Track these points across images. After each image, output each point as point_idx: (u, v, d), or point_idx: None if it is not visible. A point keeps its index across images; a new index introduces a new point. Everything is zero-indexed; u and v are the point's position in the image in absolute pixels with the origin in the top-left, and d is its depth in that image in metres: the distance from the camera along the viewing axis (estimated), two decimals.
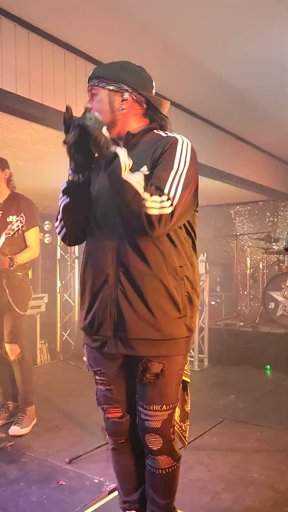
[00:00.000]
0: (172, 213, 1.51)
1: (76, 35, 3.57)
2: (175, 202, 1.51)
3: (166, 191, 1.51)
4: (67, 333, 6.25)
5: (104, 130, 1.51)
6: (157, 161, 1.60)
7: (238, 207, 8.32)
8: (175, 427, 1.80)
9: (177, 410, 1.83)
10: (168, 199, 1.50)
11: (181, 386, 1.80)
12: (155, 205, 1.48)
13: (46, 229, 6.86)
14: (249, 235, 7.32)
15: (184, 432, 1.90)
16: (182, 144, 1.62)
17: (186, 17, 3.30)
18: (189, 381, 1.88)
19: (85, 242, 1.80)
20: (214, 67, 4.11)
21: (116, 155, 1.49)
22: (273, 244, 6.62)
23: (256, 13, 3.25)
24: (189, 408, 1.92)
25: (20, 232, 3.22)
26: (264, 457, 2.95)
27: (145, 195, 1.47)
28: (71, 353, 5.93)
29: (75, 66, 3.77)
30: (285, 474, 2.70)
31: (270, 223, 7.96)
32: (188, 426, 1.93)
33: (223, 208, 8.39)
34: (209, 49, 3.77)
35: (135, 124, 1.73)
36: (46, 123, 3.67)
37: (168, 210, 1.50)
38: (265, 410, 3.87)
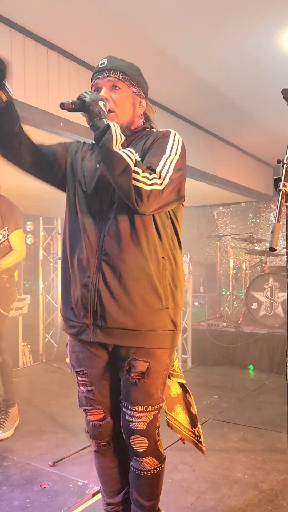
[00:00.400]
0: (163, 191, 1.51)
1: (59, 34, 3.55)
2: (165, 181, 1.51)
3: (158, 170, 1.52)
4: (49, 335, 6.20)
5: (101, 104, 1.55)
6: (149, 149, 1.63)
7: (221, 208, 8.37)
8: (189, 435, 1.78)
9: (183, 414, 1.82)
10: (159, 177, 1.51)
11: (181, 389, 1.80)
12: (146, 180, 1.48)
13: (28, 229, 6.80)
14: (232, 236, 7.37)
15: (198, 438, 1.88)
16: (175, 136, 1.66)
17: (172, 20, 3.31)
18: (184, 382, 1.87)
19: (66, 225, 1.78)
20: (199, 70, 4.12)
21: (108, 127, 1.50)
22: (256, 245, 6.68)
23: (240, 16, 3.27)
24: (195, 411, 1.90)
25: (6, 243, 3.30)
26: (248, 457, 2.96)
27: (137, 169, 1.47)
28: (53, 355, 5.89)
29: (58, 65, 3.74)
30: (268, 473, 2.71)
31: (253, 224, 8.03)
32: (200, 430, 1.92)
33: (206, 209, 8.44)
34: (194, 51, 3.78)
35: (135, 125, 1.78)
36: (29, 122, 3.63)
37: (159, 187, 1.50)
38: (249, 410, 3.89)
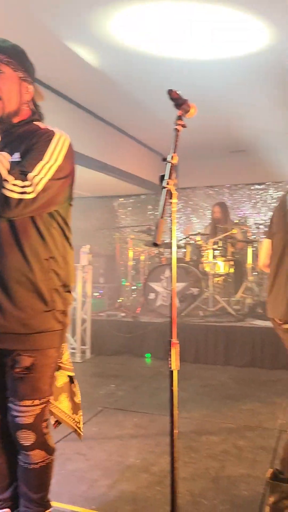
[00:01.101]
0: (35, 199, 1.48)
1: None
2: (38, 188, 1.49)
3: (31, 176, 1.48)
4: None
5: None
6: (30, 150, 1.57)
7: (121, 199, 8.48)
8: (70, 421, 1.79)
9: (67, 402, 1.83)
10: (31, 184, 1.47)
11: (68, 379, 1.80)
12: (16, 188, 1.45)
13: None
14: (131, 227, 7.50)
15: (78, 424, 1.91)
16: (59, 139, 1.61)
17: (63, 4, 3.25)
18: (73, 374, 1.88)
19: None
20: (99, 61, 4.12)
21: None
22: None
23: (130, 3, 3.31)
24: (79, 399, 1.92)
25: None
26: (141, 442, 3.07)
27: (8, 177, 1.44)
28: None
29: None
30: (159, 456, 2.84)
31: (152, 216, 8.25)
32: (81, 417, 1.94)
33: (106, 200, 8.49)
34: (91, 40, 3.76)
35: (23, 113, 1.69)
36: None
37: (30, 196, 1.47)
38: (143, 397, 4.03)
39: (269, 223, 2.50)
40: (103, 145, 5.78)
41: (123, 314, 6.08)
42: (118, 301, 6.75)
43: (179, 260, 6.40)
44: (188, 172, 7.87)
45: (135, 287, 7.12)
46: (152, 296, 5.95)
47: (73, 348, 5.37)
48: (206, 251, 5.88)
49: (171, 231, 1.53)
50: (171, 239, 1.53)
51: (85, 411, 3.52)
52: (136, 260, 7.01)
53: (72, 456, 2.83)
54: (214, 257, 5.85)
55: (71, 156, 1.64)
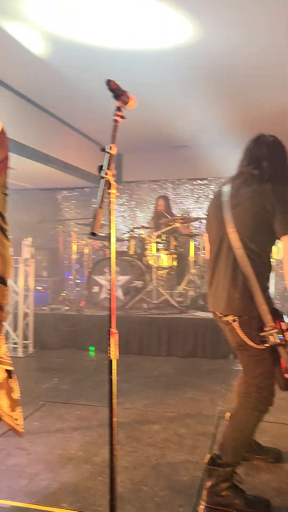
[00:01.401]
0: None
1: None
2: None
3: None
4: None
5: None
6: None
7: (65, 192, 8.36)
8: (7, 419, 1.75)
9: (5, 399, 1.79)
10: None
11: (6, 374, 1.76)
12: None
13: None
14: (75, 220, 7.42)
15: (16, 421, 1.87)
16: None
17: None
18: (11, 368, 1.84)
19: None
20: (39, 49, 4.02)
21: None
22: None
23: None
24: (18, 395, 1.88)
25: None
26: (83, 434, 3.08)
27: None
28: None
29: None
30: (101, 447, 2.86)
31: None
32: (21, 413, 1.90)
33: (50, 192, 8.35)
34: (31, 27, 3.67)
35: None
36: None
37: None
38: (86, 390, 4.02)
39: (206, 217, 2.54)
40: (44, 135, 5.67)
41: (66, 308, 6.02)
42: (61, 294, 6.68)
43: (123, 253, 6.42)
44: (133, 166, 7.92)
45: (79, 281, 7.07)
46: (96, 289, 5.94)
47: (15, 343, 5.26)
48: (150, 244, 5.95)
49: (110, 222, 1.53)
50: (110, 230, 1.54)
51: (27, 406, 3.50)
52: (80, 253, 6.96)
53: (13, 451, 2.79)
54: (158, 250, 5.93)
55: (4, 142, 1.60)
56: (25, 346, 5.39)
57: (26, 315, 5.44)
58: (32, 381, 4.26)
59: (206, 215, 2.50)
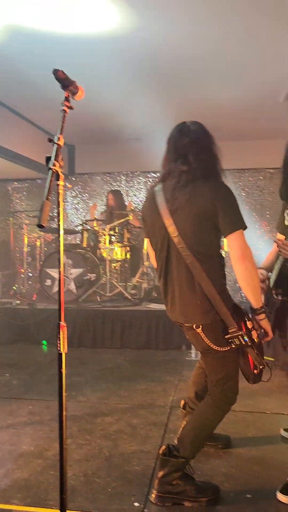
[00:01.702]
0: None
1: None
2: None
3: None
4: None
5: None
6: None
7: (16, 183, 8.15)
8: None
9: None
10: None
11: None
12: None
13: None
14: (26, 212, 7.26)
15: None
16: None
17: None
18: None
19: None
20: None
21: None
22: (50, 222, 6.74)
23: None
24: None
25: None
26: (35, 429, 3.04)
27: None
28: None
29: None
30: (53, 441, 2.84)
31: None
32: None
33: (0, 183, 8.12)
34: None
35: None
36: None
37: None
38: (39, 384, 3.97)
39: (141, 220, 2.39)
40: None
41: (18, 302, 5.90)
42: (13, 288, 6.54)
43: (76, 246, 6.37)
44: (86, 158, 7.82)
45: (30, 274, 6.94)
46: (48, 282, 5.85)
47: None
48: (103, 236, 5.92)
49: (59, 214, 1.51)
50: (58, 223, 1.52)
51: None
52: (32, 246, 6.83)
53: None
54: (111, 242, 5.92)
55: None
56: None
57: None
58: None
59: (141, 218, 2.36)
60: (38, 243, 6.73)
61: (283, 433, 2.91)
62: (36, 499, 2.20)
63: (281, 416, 3.21)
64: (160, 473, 2.19)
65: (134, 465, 2.54)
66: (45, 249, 6.80)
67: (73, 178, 7.95)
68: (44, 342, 5.44)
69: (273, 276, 2.48)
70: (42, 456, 2.65)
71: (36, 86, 5.03)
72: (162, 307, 5.51)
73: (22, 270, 6.79)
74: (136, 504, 2.17)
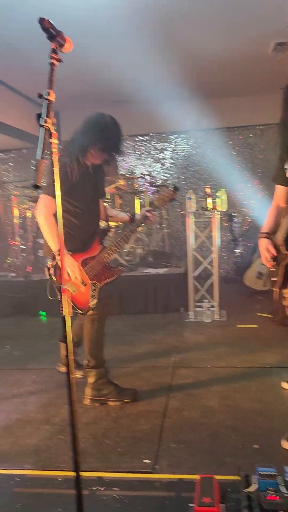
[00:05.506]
0: None
1: None
2: None
3: None
4: None
5: None
6: None
7: (0, 154, 7.95)
8: None
9: None
10: None
11: None
12: None
13: None
14: (14, 183, 7.11)
15: None
16: None
17: None
18: None
19: None
20: None
21: None
22: (40, 192, 6.62)
23: None
24: None
25: None
26: (40, 397, 3.06)
27: None
28: None
29: None
30: (60, 407, 2.86)
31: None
32: None
33: None
34: None
35: None
36: None
37: None
38: (41, 354, 3.98)
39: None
40: None
41: (13, 274, 5.86)
42: (6, 261, 6.48)
43: None
44: (71, 124, 7.58)
45: (23, 246, 6.86)
46: (41, 253, 5.79)
47: None
48: None
49: (54, 174, 1.45)
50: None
51: None
52: (23, 217, 6.72)
53: None
54: None
55: None
56: None
57: None
58: None
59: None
60: (28, 214, 6.62)
61: (284, 385, 2.96)
62: (48, 463, 2.23)
63: (282, 369, 3.26)
64: (90, 381, 2.82)
65: (142, 425, 2.57)
66: (35, 219, 6.68)
67: (59, 146, 7.76)
68: (43, 313, 5.43)
69: (282, 232, 2.44)
70: (49, 422, 2.68)
71: (17, 51, 4.82)
72: (158, 271, 5.50)
73: (15, 243, 6.70)
74: (146, 461, 2.20)
